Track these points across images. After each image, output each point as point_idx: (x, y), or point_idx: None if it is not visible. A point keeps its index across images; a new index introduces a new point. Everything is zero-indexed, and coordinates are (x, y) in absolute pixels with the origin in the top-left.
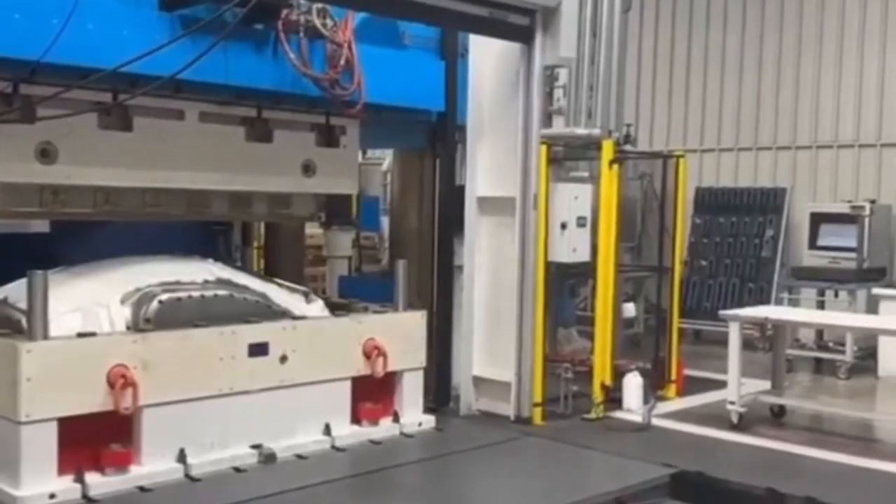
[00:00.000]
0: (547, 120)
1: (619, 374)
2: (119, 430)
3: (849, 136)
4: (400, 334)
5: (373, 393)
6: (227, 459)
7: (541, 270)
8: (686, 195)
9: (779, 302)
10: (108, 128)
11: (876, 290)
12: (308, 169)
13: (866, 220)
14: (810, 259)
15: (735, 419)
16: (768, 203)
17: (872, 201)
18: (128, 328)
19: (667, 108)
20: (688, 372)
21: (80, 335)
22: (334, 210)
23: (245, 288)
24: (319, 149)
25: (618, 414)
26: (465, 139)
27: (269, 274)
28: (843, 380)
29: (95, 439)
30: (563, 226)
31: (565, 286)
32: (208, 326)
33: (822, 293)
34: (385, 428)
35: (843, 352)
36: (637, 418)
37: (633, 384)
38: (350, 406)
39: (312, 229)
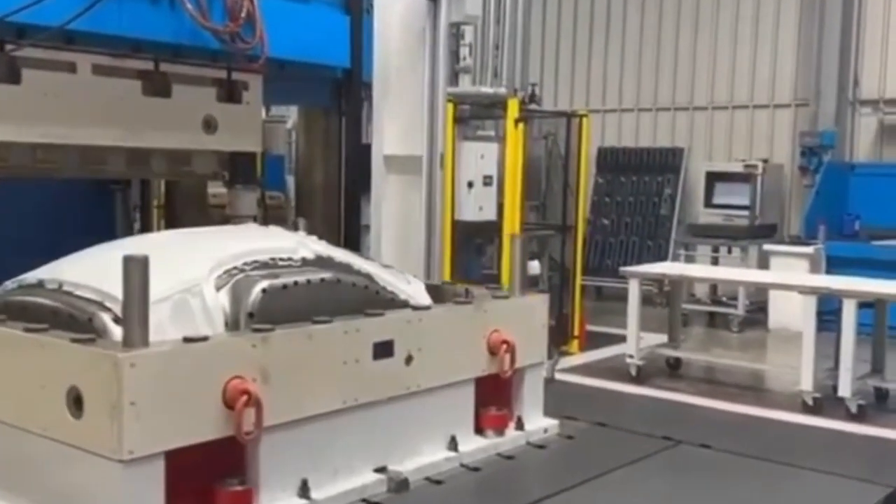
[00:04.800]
0: (453, 78)
1: None
2: (233, 461)
3: (743, 98)
4: (522, 323)
5: (495, 396)
6: (357, 490)
7: (447, 229)
8: (589, 155)
9: (676, 259)
10: None
11: (767, 247)
12: (209, 125)
13: (759, 178)
14: (706, 217)
15: (634, 372)
16: (667, 162)
17: (765, 160)
18: (226, 324)
19: (570, 69)
20: (590, 327)
21: (188, 340)
22: (238, 168)
23: (348, 268)
24: (221, 104)
25: None
26: (371, 97)
27: None
28: (735, 333)
29: (207, 475)
30: (470, 184)
31: (472, 245)
32: (329, 321)
33: (716, 250)
34: (511, 438)
35: (735, 306)
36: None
37: None
38: (474, 413)
39: (216, 188)
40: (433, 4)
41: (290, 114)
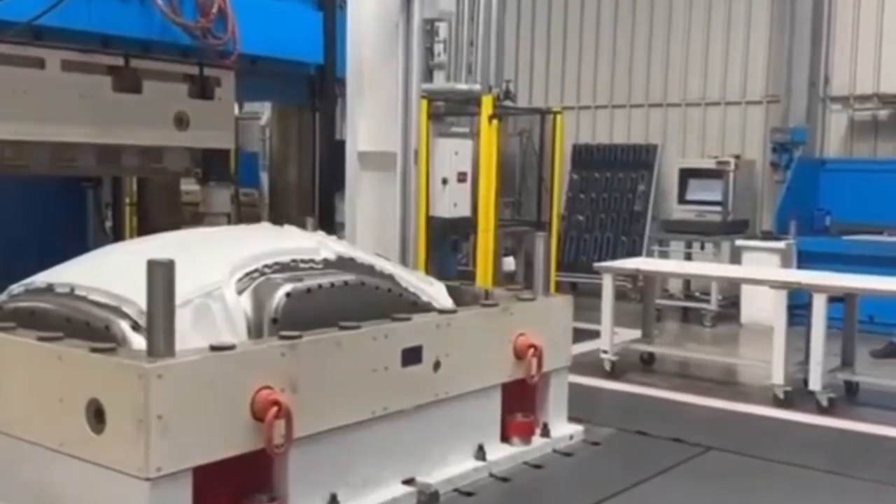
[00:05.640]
0: (428, 75)
1: None
2: (260, 476)
3: (716, 95)
4: (548, 326)
5: (520, 402)
6: None
7: (422, 226)
8: (563, 151)
9: (650, 254)
10: None
11: (739, 242)
12: (181, 122)
13: (731, 174)
14: (679, 213)
15: (608, 367)
16: (641, 159)
17: (737, 157)
18: (248, 330)
19: (545, 66)
20: None
21: (215, 348)
22: (211, 165)
23: (370, 269)
24: (193, 101)
25: None
26: (345, 93)
27: (143, 232)
28: (708, 327)
29: (234, 491)
30: (444, 181)
31: (447, 241)
32: (357, 327)
33: (689, 245)
34: (537, 446)
35: (708, 301)
36: None
37: None
38: (500, 420)
39: (189, 185)
40: (406, 0)
41: (264, 110)
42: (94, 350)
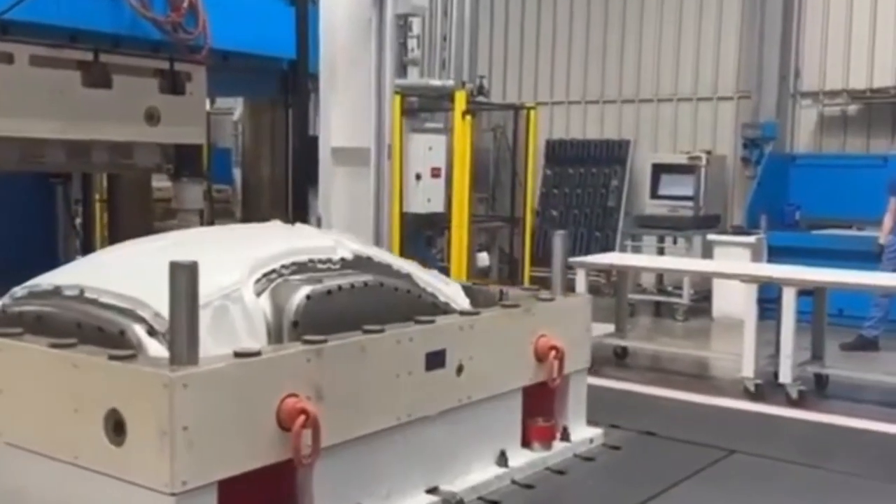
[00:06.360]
0: (401, 70)
1: None
2: (283, 488)
3: (687, 90)
4: (568, 326)
5: (540, 405)
6: None
7: (396, 221)
8: (537, 147)
9: (623, 249)
10: None
11: (711, 237)
12: (152, 117)
13: (703, 170)
14: (652, 208)
15: None
16: (614, 154)
17: (708, 152)
18: (269, 333)
19: (518, 61)
20: None
21: (239, 354)
22: (183, 161)
23: (388, 269)
24: (163, 96)
25: None
26: (318, 88)
27: (113, 229)
28: (680, 321)
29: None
30: (418, 176)
31: (421, 237)
32: (381, 331)
33: (662, 240)
34: (558, 450)
35: (680, 295)
36: None
37: None
38: (521, 424)
39: (161, 182)
40: None
41: (237, 106)
42: (113, 357)
